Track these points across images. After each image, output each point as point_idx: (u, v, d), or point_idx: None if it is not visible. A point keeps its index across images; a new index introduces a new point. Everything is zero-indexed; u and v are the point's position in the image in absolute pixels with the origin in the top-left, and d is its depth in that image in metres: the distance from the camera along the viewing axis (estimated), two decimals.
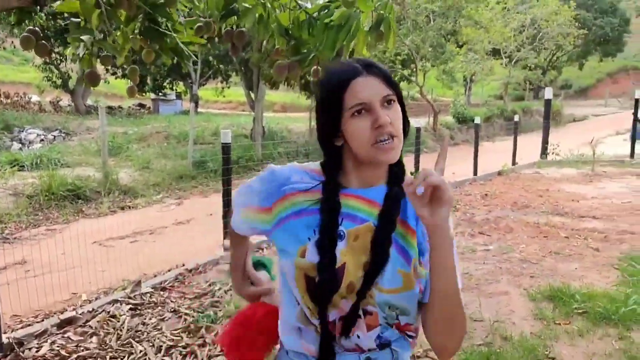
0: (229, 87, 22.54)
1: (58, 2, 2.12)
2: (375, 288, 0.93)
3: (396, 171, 0.99)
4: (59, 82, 17.86)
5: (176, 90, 22.27)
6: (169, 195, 7.99)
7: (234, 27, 2.54)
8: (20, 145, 11.08)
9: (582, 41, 25.43)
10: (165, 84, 20.98)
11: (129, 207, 7.08)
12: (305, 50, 2.22)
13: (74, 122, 13.52)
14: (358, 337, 0.95)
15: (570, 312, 3.16)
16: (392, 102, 0.95)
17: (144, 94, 20.16)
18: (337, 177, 0.99)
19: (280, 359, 1.07)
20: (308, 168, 1.03)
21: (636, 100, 11.77)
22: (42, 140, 11.70)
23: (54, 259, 4.47)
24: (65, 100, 18.56)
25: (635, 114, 11.70)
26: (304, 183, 1.00)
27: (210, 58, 17.98)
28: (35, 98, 19.19)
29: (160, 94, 20.82)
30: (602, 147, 10.87)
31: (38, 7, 1.49)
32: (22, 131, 11.97)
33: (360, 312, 0.94)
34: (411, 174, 1.00)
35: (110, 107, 17.66)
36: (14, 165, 7.93)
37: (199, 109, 20.20)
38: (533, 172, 9.35)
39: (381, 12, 2.23)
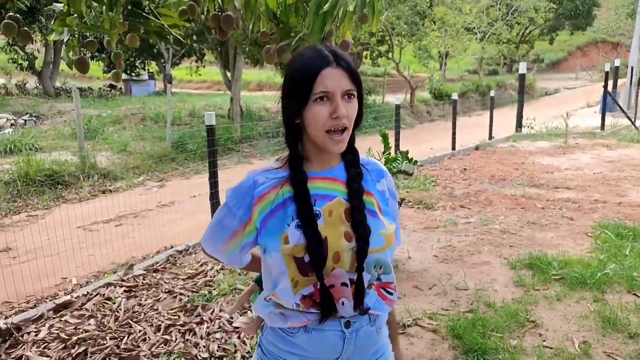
0: (204, 67, 22.13)
1: None
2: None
3: (351, 156, 1.13)
4: (25, 64, 17.23)
5: (148, 70, 21.74)
6: (150, 177, 7.93)
7: (219, 10, 2.54)
8: None
9: (553, 15, 25.76)
10: (137, 63, 20.44)
11: (110, 191, 7.01)
12: (292, 34, 2.24)
13: (44, 105, 13.13)
14: (343, 304, 1.06)
15: (548, 278, 3.35)
16: (352, 96, 1.05)
17: None
18: (302, 166, 1.08)
19: (269, 333, 1.15)
20: (267, 168, 1.13)
21: (606, 73, 12.10)
22: (12, 125, 11.36)
23: (40, 245, 4.45)
24: (32, 82, 17.94)
25: (605, 86, 12.05)
26: (272, 180, 1.09)
27: (184, 36, 17.57)
28: (1, 81, 18.50)
29: (132, 74, 20.29)
30: (574, 120, 11.18)
31: None
32: None
33: (347, 281, 1.05)
34: (368, 151, 1.13)
35: (80, 89, 17.15)
36: None
37: (173, 89, 19.80)
38: (509, 146, 9.60)
39: None
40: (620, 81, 16.01)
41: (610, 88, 12.78)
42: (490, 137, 10.19)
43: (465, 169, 7.41)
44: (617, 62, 14.56)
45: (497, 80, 22.18)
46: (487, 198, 5.63)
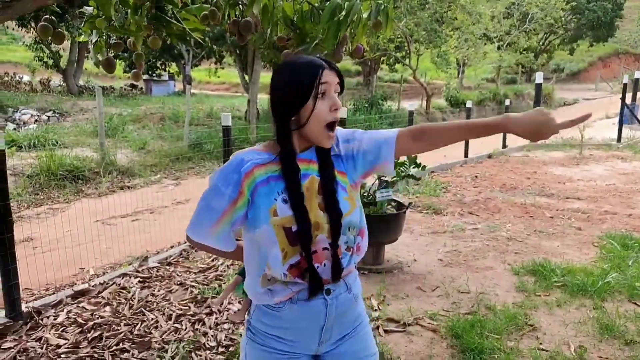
0: (222, 68, 22.46)
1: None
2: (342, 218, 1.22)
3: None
4: (50, 62, 17.73)
5: (169, 71, 22.16)
6: (166, 175, 8.13)
7: (239, 16, 2.68)
8: (14, 125, 11.10)
9: (574, 25, 25.54)
10: (158, 64, 20.86)
11: (128, 187, 7.22)
12: (308, 40, 2.37)
13: (67, 102, 13.51)
14: (325, 265, 1.21)
15: (550, 285, 3.40)
16: (340, 94, 1.24)
17: None
18: (295, 159, 1.22)
19: (257, 313, 1.27)
20: (252, 149, 1.27)
21: (624, 85, 11.99)
22: (36, 120, 11.72)
23: (60, 236, 4.64)
24: (56, 80, 18.43)
25: (623, 98, 11.94)
26: (257, 159, 1.22)
27: (204, 39, 17.89)
28: (26, 78, 19.04)
29: (153, 74, 20.71)
30: (590, 131, 11.11)
31: (69, 5, 1.63)
32: (16, 112, 11.97)
33: (328, 245, 1.21)
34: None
35: (102, 88, 17.57)
36: (12, 146, 8.01)
37: (192, 90, 20.15)
38: (522, 155, 9.60)
39: (380, 1, 2.38)
40: None
41: (629, 100, 12.65)
42: (504, 146, 10.19)
43: (476, 177, 7.45)
44: (637, 74, 14.38)
45: (514, 89, 22.06)
46: (496, 206, 5.68)
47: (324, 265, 1.20)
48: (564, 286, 3.37)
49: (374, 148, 1.26)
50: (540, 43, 26.40)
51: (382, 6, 2.35)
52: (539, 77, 11.62)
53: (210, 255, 3.99)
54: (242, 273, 1.43)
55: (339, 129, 1.29)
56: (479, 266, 3.84)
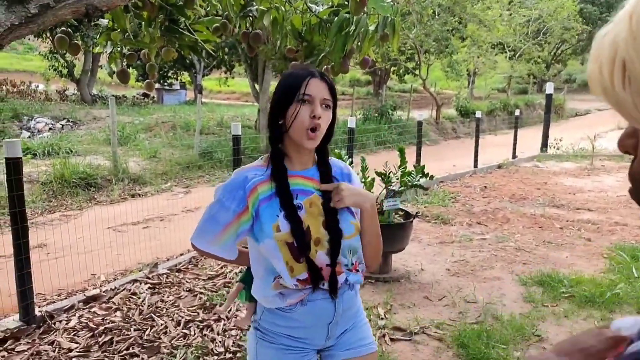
0: (233, 78, 22.68)
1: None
2: (342, 239, 1.29)
3: (323, 157, 1.35)
4: (64, 71, 18.06)
5: (181, 80, 22.43)
6: (176, 184, 8.22)
7: (250, 27, 2.75)
8: (29, 133, 11.32)
9: (587, 35, 25.42)
10: (169, 74, 21.14)
11: (139, 195, 7.32)
12: (316, 52, 2.43)
13: (81, 111, 13.74)
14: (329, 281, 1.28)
15: (558, 295, 3.39)
16: (329, 107, 1.28)
17: None
18: (283, 163, 1.28)
19: (267, 315, 1.32)
20: (253, 166, 1.33)
21: None
22: (50, 129, 11.94)
23: (72, 243, 4.72)
24: (71, 89, 18.75)
25: None
26: (260, 176, 1.28)
27: (215, 50, 18.12)
28: (41, 87, 19.40)
29: (165, 84, 20.99)
30: (602, 142, 11.04)
31: (87, 19, 1.69)
32: (31, 120, 12.21)
33: (329, 262, 1.27)
34: (350, 164, 1.42)
35: (115, 97, 17.84)
36: (27, 154, 8.17)
37: (203, 99, 20.36)
38: (532, 166, 9.55)
39: (386, 14, 2.42)
40: None
41: None
42: (514, 156, 10.16)
43: (485, 187, 7.43)
44: None
45: (525, 99, 21.97)
46: (504, 216, 5.67)
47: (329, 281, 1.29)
48: (572, 297, 3.36)
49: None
50: (552, 53, 26.31)
51: (389, 19, 2.40)
52: (549, 87, 11.64)
53: (219, 262, 4.04)
54: (243, 280, 1.47)
55: (353, 176, 1.41)
56: (487, 276, 3.84)
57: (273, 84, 12.44)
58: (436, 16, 15.38)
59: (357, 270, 1.35)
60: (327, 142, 1.32)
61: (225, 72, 21.47)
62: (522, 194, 6.96)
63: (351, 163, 4.16)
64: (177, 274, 3.80)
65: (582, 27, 20.78)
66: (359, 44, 2.49)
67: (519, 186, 7.53)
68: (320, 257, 1.26)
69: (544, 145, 11.22)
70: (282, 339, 1.30)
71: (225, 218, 1.26)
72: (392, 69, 19.40)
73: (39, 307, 3.22)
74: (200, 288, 3.50)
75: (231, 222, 1.26)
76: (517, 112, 10.94)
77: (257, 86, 12.21)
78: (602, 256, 4.28)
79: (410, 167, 3.88)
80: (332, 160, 1.39)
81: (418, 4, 14.23)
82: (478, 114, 9.55)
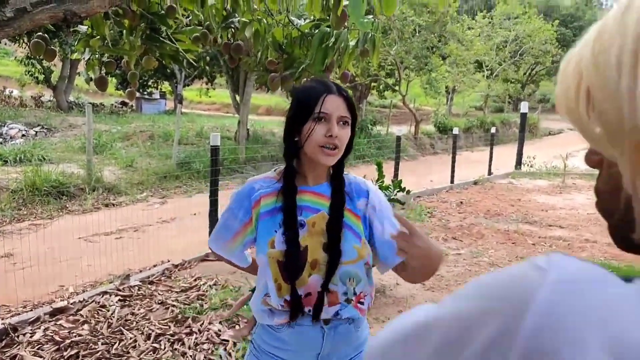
0: (214, 89, 22.61)
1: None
2: (340, 263, 1.19)
3: (337, 172, 1.27)
4: (41, 77, 17.71)
5: (161, 89, 22.24)
6: (152, 194, 8.09)
7: (232, 39, 2.75)
8: (1, 140, 11.02)
9: (560, 57, 26.28)
10: (149, 83, 20.95)
11: (113, 205, 7.18)
12: (296, 65, 2.44)
13: (56, 118, 13.46)
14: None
15: None
16: (347, 123, 1.21)
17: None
18: (294, 180, 1.22)
19: (259, 330, 1.30)
20: (263, 177, 1.28)
21: None
22: (23, 135, 11.65)
23: (41, 253, 4.58)
24: (47, 95, 18.39)
25: None
26: (267, 188, 1.24)
27: (196, 60, 18.06)
28: (15, 92, 18.97)
29: (144, 93, 20.77)
30: (574, 160, 11.34)
31: (65, 25, 1.67)
32: (3, 126, 11.90)
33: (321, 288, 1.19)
34: (363, 177, 1.34)
35: (92, 105, 17.57)
36: None
37: (183, 109, 20.22)
38: (507, 182, 9.74)
39: (367, 29, 2.46)
40: None
41: None
42: (490, 173, 10.34)
43: (461, 203, 7.53)
44: None
45: (501, 117, 22.48)
46: (479, 232, 5.74)
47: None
48: None
49: (381, 244, 1.25)
50: (527, 73, 27.07)
51: (370, 35, 2.43)
52: (524, 106, 11.94)
53: (193, 275, 3.97)
54: (254, 290, 1.45)
55: (374, 193, 1.28)
56: None
57: (254, 96, 12.46)
58: (416, 34, 15.67)
59: (362, 303, 1.23)
60: (345, 157, 1.25)
61: (207, 83, 21.39)
62: (496, 210, 7.08)
63: None
64: (149, 285, 3.71)
65: (556, 51, 21.46)
66: (339, 57, 2.52)
67: (493, 202, 7.66)
68: (314, 280, 1.18)
69: (519, 162, 11.47)
70: (269, 358, 1.24)
71: (234, 225, 1.26)
72: (372, 84, 19.63)
73: (2, 319, 3.10)
74: (173, 300, 3.42)
75: (239, 231, 1.25)
76: (493, 130, 11.18)
77: (237, 97, 12.19)
78: None
79: (388, 181, 3.91)
80: (349, 176, 1.30)
81: (399, 21, 14.49)
82: (455, 131, 9.72)
